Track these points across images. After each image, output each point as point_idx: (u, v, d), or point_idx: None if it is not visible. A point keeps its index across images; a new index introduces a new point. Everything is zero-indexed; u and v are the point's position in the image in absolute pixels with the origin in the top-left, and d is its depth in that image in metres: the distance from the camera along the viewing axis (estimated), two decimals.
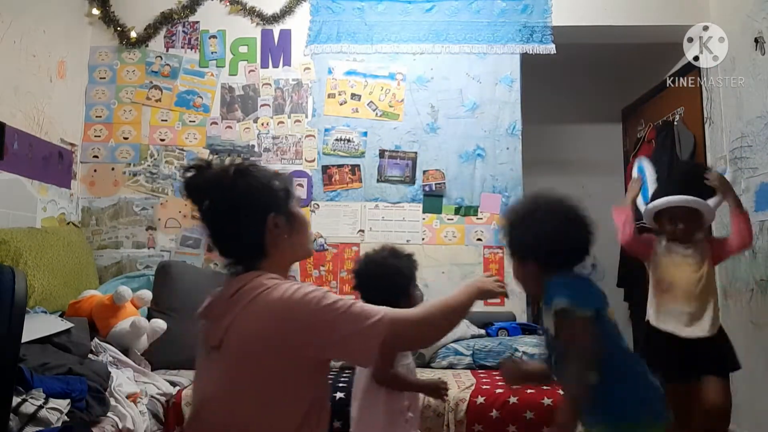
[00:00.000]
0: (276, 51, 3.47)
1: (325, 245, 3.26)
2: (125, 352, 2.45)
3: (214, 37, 3.49)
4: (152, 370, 2.50)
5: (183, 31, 3.50)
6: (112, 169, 3.42)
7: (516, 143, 3.38)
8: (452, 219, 3.35)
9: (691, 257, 2.22)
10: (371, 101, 3.43)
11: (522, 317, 3.28)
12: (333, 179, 3.39)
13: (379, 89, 3.43)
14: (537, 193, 1.51)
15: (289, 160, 3.39)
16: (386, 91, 3.43)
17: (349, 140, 3.41)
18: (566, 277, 1.40)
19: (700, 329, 2.16)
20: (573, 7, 3.41)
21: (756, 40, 2.82)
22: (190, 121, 3.45)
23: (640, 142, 3.91)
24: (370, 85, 3.43)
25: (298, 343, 1.12)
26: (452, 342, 2.84)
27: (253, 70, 3.47)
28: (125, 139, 3.43)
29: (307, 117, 3.44)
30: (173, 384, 2.42)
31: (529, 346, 2.81)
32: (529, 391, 2.33)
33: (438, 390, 1.74)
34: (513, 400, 2.27)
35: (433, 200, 3.36)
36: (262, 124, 3.44)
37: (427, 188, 3.36)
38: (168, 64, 3.48)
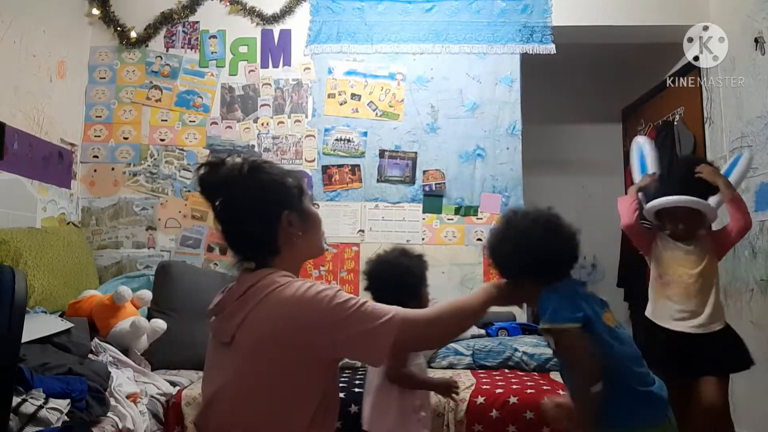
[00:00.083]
0: (276, 51, 3.47)
1: (325, 245, 3.26)
2: (125, 352, 2.45)
3: (214, 37, 3.49)
4: (152, 370, 2.49)
5: (183, 31, 3.50)
6: (112, 169, 3.42)
7: (516, 143, 3.38)
8: (452, 219, 3.35)
9: (692, 253, 2.21)
10: (371, 101, 3.43)
11: (522, 317, 3.28)
12: (333, 179, 3.39)
13: (379, 89, 3.43)
14: (510, 210, 1.53)
15: (289, 160, 3.39)
16: (386, 91, 3.43)
17: (349, 140, 3.41)
18: (552, 290, 1.38)
19: (697, 324, 2.16)
20: (573, 7, 3.41)
21: (756, 40, 2.82)
22: (190, 121, 3.45)
23: None
24: (370, 85, 3.43)
25: (309, 341, 1.12)
26: (452, 342, 2.84)
27: (253, 70, 3.47)
28: (125, 139, 3.43)
29: (307, 117, 3.44)
30: (173, 384, 2.42)
31: (529, 346, 2.81)
32: (528, 391, 2.33)
33: (449, 389, 1.77)
34: (513, 400, 2.27)
35: (433, 200, 3.36)
36: (262, 124, 3.44)
37: (427, 188, 3.36)
38: (168, 64, 3.48)
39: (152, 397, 2.24)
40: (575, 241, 1.43)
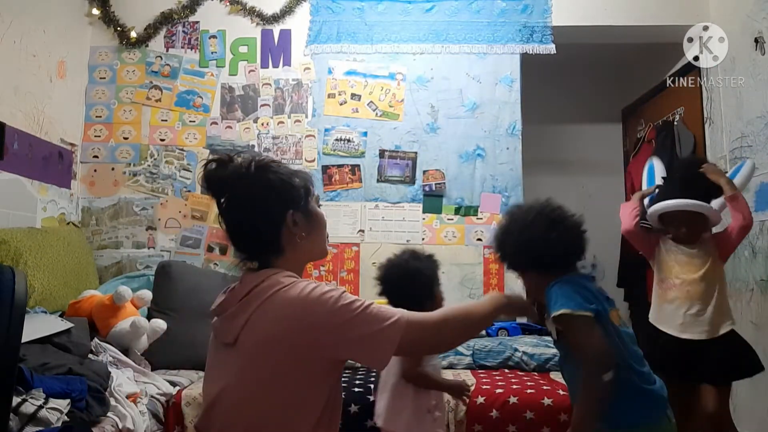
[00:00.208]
0: (276, 51, 3.47)
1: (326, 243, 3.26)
2: (125, 352, 2.45)
3: (214, 37, 3.49)
4: (152, 370, 2.49)
5: (183, 31, 3.50)
6: (112, 169, 3.42)
7: (516, 143, 3.38)
8: (452, 219, 3.35)
9: (696, 256, 2.19)
10: (371, 101, 3.43)
11: (522, 317, 3.28)
12: (333, 179, 3.39)
13: (379, 89, 3.43)
14: (516, 205, 1.54)
15: (289, 160, 3.39)
16: (386, 91, 3.43)
17: (349, 140, 3.41)
18: (564, 281, 1.39)
19: (699, 331, 2.13)
20: (573, 7, 3.41)
21: (756, 40, 2.82)
22: (190, 121, 3.45)
23: (640, 142, 3.91)
24: (370, 85, 3.43)
25: (313, 341, 1.11)
26: None
27: (253, 70, 3.47)
28: (125, 139, 3.43)
29: (307, 117, 3.44)
30: (173, 384, 2.42)
31: (529, 346, 2.81)
32: (528, 391, 2.33)
33: (462, 391, 1.80)
34: (513, 400, 2.27)
35: (433, 200, 3.36)
36: (262, 124, 3.44)
37: (427, 188, 3.36)
38: (168, 64, 3.48)
39: (152, 397, 2.24)
40: (581, 234, 1.44)
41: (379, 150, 3.40)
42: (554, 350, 2.71)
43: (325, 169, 3.39)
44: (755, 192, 2.79)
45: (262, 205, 1.20)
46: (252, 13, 3.47)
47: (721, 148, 3.12)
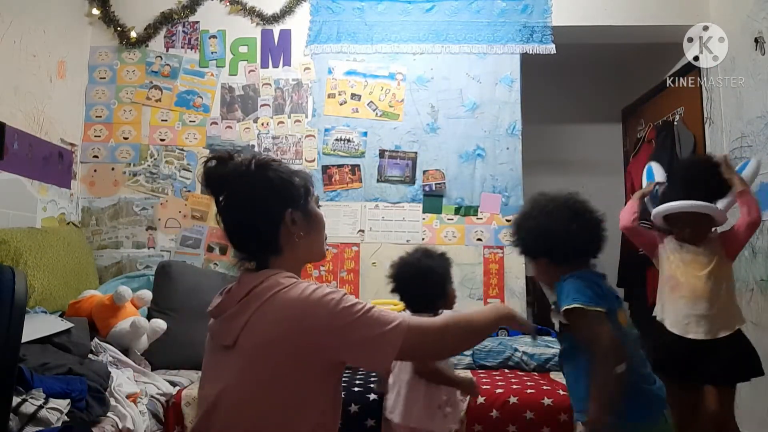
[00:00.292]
0: (276, 51, 3.47)
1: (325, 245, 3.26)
2: (125, 352, 2.45)
3: (214, 37, 3.49)
4: (152, 370, 2.49)
5: (183, 31, 3.50)
6: (112, 169, 3.42)
7: (516, 143, 3.38)
8: (452, 219, 3.35)
9: (701, 254, 2.16)
10: (371, 101, 3.43)
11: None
12: (333, 179, 3.39)
13: (379, 89, 3.43)
14: (541, 192, 1.52)
15: (289, 160, 3.39)
16: (386, 91, 3.43)
17: (349, 140, 3.41)
18: (577, 276, 1.39)
19: (704, 331, 2.10)
20: (573, 7, 3.41)
21: (756, 40, 2.82)
22: (190, 121, 3.45)
23: (640, 142, 3.91)
24: (370, 85, 3.43)
25: (313, 343, 1.10)
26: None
27: (253, 70, 3.47)
28: (125, 139, 3.43)
29: (307, 117, 3.44)
30: (173, 384, 2.42)
31: (529, 346, 2.81)
32: (528, 391, 2.33)
33: (472, 388, 1.84)
34: (513, 400, 2.27)
35: (433, 200, 3.36)
36: (262, 124, 3.44)
37: (427, 188, 3.36)
38: (168, 64, 3.48)
39: (152, 397, 2.24)
40: (601, 231, 1.44)
41: (379, 150, 3.40)
42: (554, 350, 2.72)
43: (325, 169, 3.39)
44: (756, 192, 2.79)
45: (262, 203, 1.19)
46: (252, 13, 3.47)
47: (721, 148, 3.12)
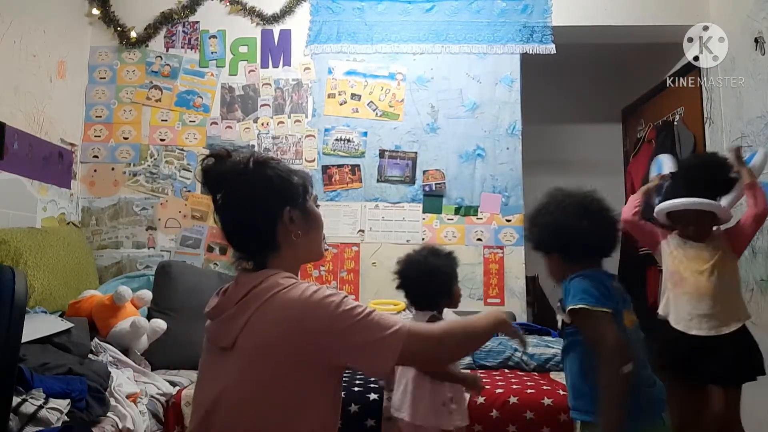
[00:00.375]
0: (276, 51, 3.47)
1: (325, 245, 3.26)
2: (125, 352, 2.45)
3: (214, 37, 3.49)
4: (152, 370, 2.49)
5: (183, 31, 3.50)
6: (112, 169, 3.42)
7: (516, 143, 3.38)
8: (452, 219, 3.35)
9: (705, 251, 2.14)
10: (371, 101, 3.43)
11: (522, 317, 3.28)
12: (333, 179, 3.39)
13: (379, 89, 3.43)
14: (558, 187, 1.51)
15: (289, 160, 3.40)
16: (386, 91, 3.43)
17: (349, 140, 3.41)
18: (584, 275, 1.39)
19: (707, 327, 2.07)
20: (573, 7, 3.41)
21: (756, 40, 2.82)
22: (190, 121, 3.45)
23: (640, 142, 3.91)
24: (370, 85, 3.43)
25: (313, 344, 1.09)
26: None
27: (253, 70, 3.47)
28: (125, 139, 3.43)
29: (307, 117, 3.44)
30: (173, 384, 2.42)
31: (529, 346, 2.80)
32: (528, 391, 2.33)
33: (476, 384, 1.84)
34: (513, 400, 2.27)
35: (433, 200, 3.36)
36: (262, 124, 3.44)
37: (427, 188, 3.36)
38: (168, 64, 3.48)
39: (152, 397, 2.24)
40: (615, 231, 1.43)
41: (379, 150, 3.40)
42: (554, 350, 2.71)
43: (325, 169, 3.39)
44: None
45: (260, 201, 1.19)
46: (252, 13, 3.47)
47: (721, 148, 3.12)
